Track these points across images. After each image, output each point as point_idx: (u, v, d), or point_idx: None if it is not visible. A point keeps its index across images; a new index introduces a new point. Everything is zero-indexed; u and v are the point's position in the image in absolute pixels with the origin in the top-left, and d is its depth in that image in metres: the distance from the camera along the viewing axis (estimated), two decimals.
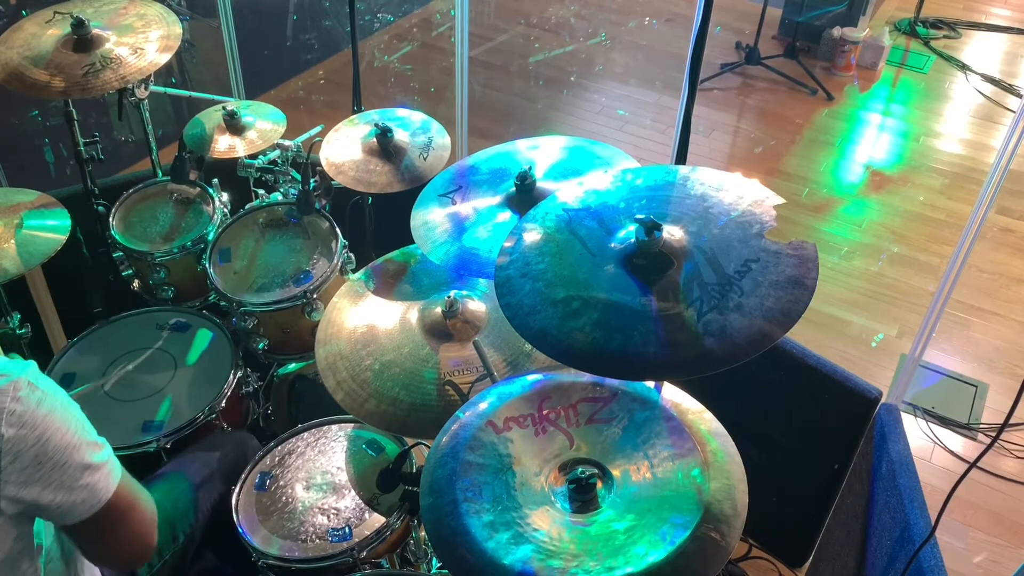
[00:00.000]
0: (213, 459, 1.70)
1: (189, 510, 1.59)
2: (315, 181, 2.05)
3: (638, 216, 1.21)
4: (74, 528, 1.13)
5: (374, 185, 1.97)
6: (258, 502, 1.63)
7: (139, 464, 1.67)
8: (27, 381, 1.03)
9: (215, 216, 2.13)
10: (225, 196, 2.21)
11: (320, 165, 2.02)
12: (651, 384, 1.31)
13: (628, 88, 4.43)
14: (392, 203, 2.02)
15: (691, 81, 1.66)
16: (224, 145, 2.11)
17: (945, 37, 4.84)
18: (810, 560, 2.23)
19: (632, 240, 1.22)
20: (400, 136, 2.04)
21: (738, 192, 1.29)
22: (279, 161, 2.18)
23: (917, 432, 2.68)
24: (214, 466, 1.68)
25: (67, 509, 1.09)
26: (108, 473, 1.12)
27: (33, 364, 1.07)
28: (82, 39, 1.99)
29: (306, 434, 1.76)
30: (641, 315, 1.16)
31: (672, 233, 1.24)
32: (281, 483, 1.66)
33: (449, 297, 1.60)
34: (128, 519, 1.17)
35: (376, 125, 2.02)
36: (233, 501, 1.62)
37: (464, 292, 1.66)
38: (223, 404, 1.84)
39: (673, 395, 1.30)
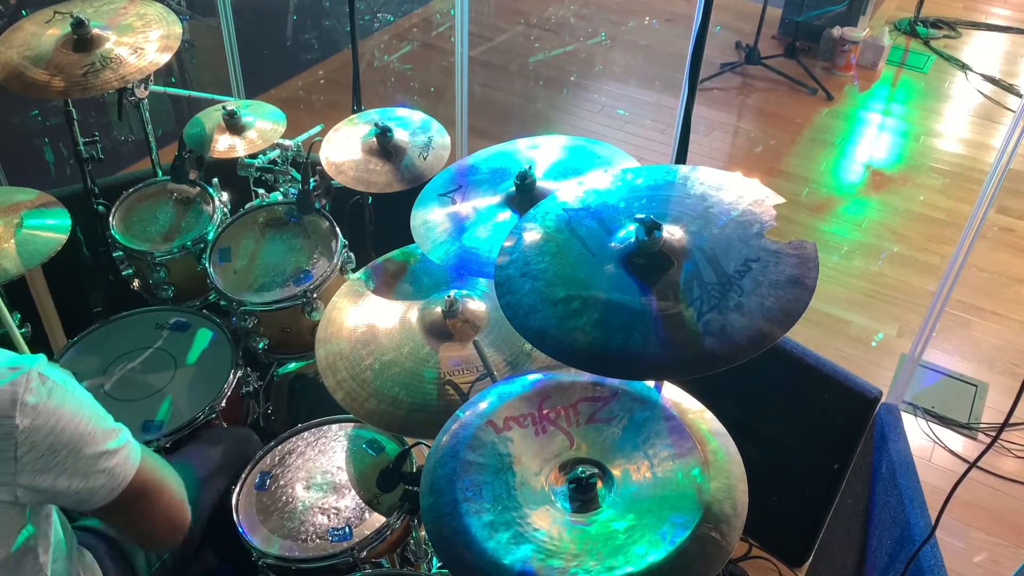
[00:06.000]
0: (215, 456, 1.70)
1: (192, 508, 1.59)
2: (315, 181, 2.05)
3: (638, 216, 1.21)
4: (99, 512, 1.15)
5: (374, 185, 1.97)
6: (258, 502, 1.63)
7: None
8: (39, 373, 1.06)
9: (215, 216, 2.13)
10: (225, 196, 2.21)
11: (320, 165, 2.02)
12: (651, 384, 1.31)
13: (628, 88, 4.43)
14: (392, 203, 2.02)
15: (691, 81, 1.66)
16: (224, 145, 2.11)
17: (945, 37, 4.84)
18: (810, 560, 2.23)
19: (632, 240, 1.22)
20: (400, 136, 2.04)
21: (738, 192, 1.29)
22: (279, 161, 2.18)
23: (917, 432, 2.68)
24: (216, 464, 1.68)
25: (86, 495, 1.11)
26: (126, 457, 1.14)
27: (43, 357, 1.10)
28: (82, 39, 1.99)
29: (306, 434, 1.76)
30: (641, 315, 1.16)
31: (672, 233, 1.23)
32: (281, 483, 1.66)
33: (449, 297, 1.60)
34: (153, 501, 1.20)
35: (376, 125, 2.02)
36: (233, 501, 1.62)
37: (464, 292, 1.66)
38: (223, 404, 1.84)
39: (673, 395, 1.30)
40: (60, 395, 1.07)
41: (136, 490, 1.15)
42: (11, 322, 1.35)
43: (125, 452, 1.14)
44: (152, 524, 1.22)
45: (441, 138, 2.06)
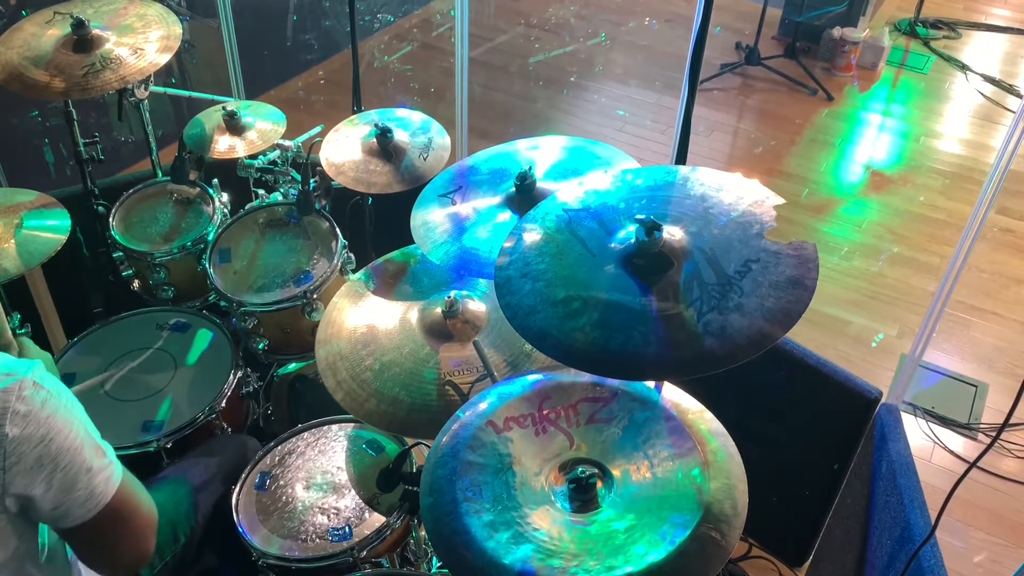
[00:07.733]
0: (213, 462, 1.70)
1: (190, 512, 1.59)
2: (315, 181, 2.05)
3: (638, 216, 1.21)
4: (70, 531, 1.12)
5: (374, 185, 1.97)
6: (258, 502, 1.63)
7: (139, 464, 1.67)
8: (32, 381, 1.03)
9: (215, 216, 2.13)
10: (225, 196, 2.22)
11: (320, 165, 2.02)
12: (651, 384, 1.31)
13: (628, 88, 4.43)
14: (392, 203, 2.02)
15: (691, 81, 1.66)
16: (224, 145, 2.11)
17: (945, 37, 4.84)
18: (810, 560, 2.23)
19: (632, 240, 1.22)
20: (400, 136, 2.04)
21: (738, 192, 1.29)
22: (279, 161, 2.18)
23: (917, 432, 2.68)
24: (214, 469, 1.68)
25: (64, 511, 1.08)
26: (108, 477, 1.11)
27: (40, 363, 1.07)
28: (82, 39, 1.99)
29: (306, 434, 1.76)
30: (641, 315, 1.16)
31: (672, 233, 1.24)
32: (281, 483, 1.66)
33: (449, 297, 1.60)
34: (126, 523, 1.17)
35: (376, 125, 2.02)
36: (233, 501, 1.62)
37: (464, 292, 1.66)
38: (223, 404, 1.84)
39: (673, 395, 1.30)
40: (53, 405, 1.04)
41: (110, 510, 1.12)
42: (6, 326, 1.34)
43: (108, 471, 1.11)
44: (117, 548, 1.18)
45: (441, 139, 2.06)
